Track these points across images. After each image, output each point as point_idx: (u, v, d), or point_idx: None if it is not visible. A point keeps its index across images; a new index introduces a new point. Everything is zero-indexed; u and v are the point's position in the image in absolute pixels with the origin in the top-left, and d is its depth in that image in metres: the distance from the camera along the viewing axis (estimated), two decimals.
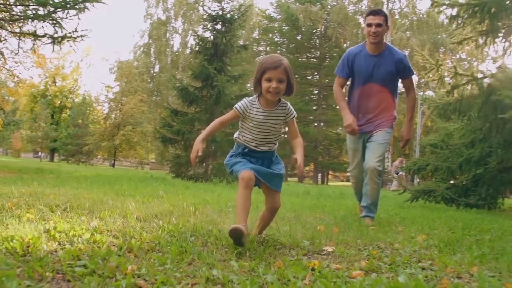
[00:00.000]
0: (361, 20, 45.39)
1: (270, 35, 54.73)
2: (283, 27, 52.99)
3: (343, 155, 52.01)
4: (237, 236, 3.14)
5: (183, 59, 53.39)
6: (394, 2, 43.16)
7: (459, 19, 12.56)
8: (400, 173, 24.67)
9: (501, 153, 12.33)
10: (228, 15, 19.23)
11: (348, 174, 6.55)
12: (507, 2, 11.19)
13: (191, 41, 54.21)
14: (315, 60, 51.56)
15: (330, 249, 3.53)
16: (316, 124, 49.32)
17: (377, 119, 6.16)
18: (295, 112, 3.75)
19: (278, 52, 53.43)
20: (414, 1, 44.60)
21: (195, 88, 18.76)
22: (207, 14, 19.44)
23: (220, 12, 19.29)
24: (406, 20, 44.78)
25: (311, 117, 50.75)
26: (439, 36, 42.03)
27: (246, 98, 3.67)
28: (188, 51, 54.13)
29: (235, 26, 19.39)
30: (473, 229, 5.42)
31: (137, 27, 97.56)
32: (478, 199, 12.59)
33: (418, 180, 27.62)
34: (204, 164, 18.39)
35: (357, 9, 45.69)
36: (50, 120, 57.16)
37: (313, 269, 2.71)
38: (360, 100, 6.25)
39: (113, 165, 54.21)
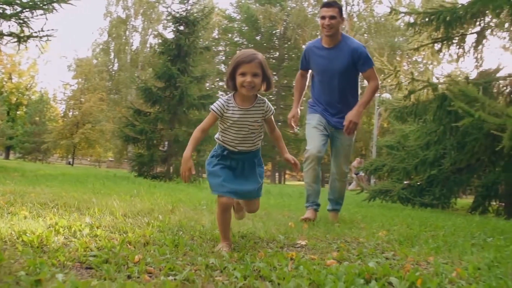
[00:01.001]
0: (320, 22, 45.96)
1: (230, 35, 54.92)
2: (243, 28, 53.25)
3: (300, 155, 52.59)
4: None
5: (143, 57, 53.27)
6: (353, 5, 43.86)
7: (416, 26, 13.10)
8: (360, 174, 25.27)
9: (454, 155, 12.86)
10: (192, 17, 19.48)
11: (305, 156, 6.09)
12: (460, 12, 11.74)
13: (151, 39, 54.21)
14: (274, 61, 51.94)
15: (303, 243, 3.91)
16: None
17: (343, 115, 5.93)
18: (273, 108, 3.68)
19: (237, 52, 53.73)
20: (372, 5, 45.35)
21: (158, 88, 18.96)
22: (170, 16, 19.66)
23: (184, 14, 19.53)
24: (364, 23, 45.57)
25: None
26: (396, 40, 42.83)
27: (222, 97, 3.55)
28: (147, 49, 54.03)
29: (198, 27, 19.67)
30: (429, 226, 5.89)
31: (96, 25, 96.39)
32: (433, 199, 13.09)
33: (374, 180, 28.23)
34: (166, 164, 18.61)
35: (316, 11, 46.20)
36: (5, 117, 56.32)
37: (291, 259, 3.08)
38: (321, 94, 6.14)
39: (69, 163, 53.75)
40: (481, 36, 13.42)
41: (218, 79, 52.19)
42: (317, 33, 43.71)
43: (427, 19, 12.75)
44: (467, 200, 20.26)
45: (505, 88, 12.06)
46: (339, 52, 5.86)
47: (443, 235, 4.84)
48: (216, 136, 3.70)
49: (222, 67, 54.35)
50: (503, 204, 13.17)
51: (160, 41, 20.74)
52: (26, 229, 3.19)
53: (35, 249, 2.80)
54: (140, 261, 2.68)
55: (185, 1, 19.58)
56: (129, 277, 2.41)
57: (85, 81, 53.15)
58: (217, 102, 3.53)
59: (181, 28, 19.56)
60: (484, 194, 13.07)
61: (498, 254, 3.46)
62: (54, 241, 2.99)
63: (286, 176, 60.68)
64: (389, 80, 12.58)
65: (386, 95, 31.60)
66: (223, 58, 54.81)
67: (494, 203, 13.31)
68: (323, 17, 5.80)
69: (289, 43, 49.74)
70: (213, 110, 3.51)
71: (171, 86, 18.63)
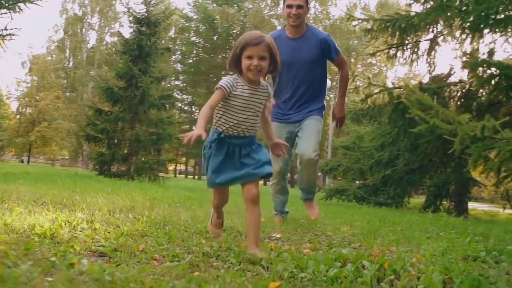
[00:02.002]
0: (277, 23, 46.33)
1: (186, 34, 55.11)
2: (200, 27, 53.53)
3: None
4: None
5: (99, 55, 52.99)
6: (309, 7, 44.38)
7: (373, 32, 13.70)
8: (319, 174, 25.81)
9: (407, 156, 13.49)
10: (153, 18, 19.74)
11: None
12: (415, 20, 12.37)
13: (108, 38, 53.99)
14: None
15: (278, 236, 4.35)
16: None
17: (305, 106, 5.75)
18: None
19: (194, 52, 53.91)
20: (327, 7, 46.03)
21: (119, 88, 19.15)
22: (132, 16, 19.87)
23: (145, 15, 19.77)
24: (320, 25, 46.24)
25: None
26: (351, 42, 43.61)
27: (229, 76, 3.40)
28: (103, 48, 53.81)
29: (159, 29, 19.95)
30: (387, 221, 6.43)
31: (51, 22, 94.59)
32: (387, 198, 13.69)
33: (329, 180, 28.81)
34: (127, 163, 18.82)
35: (273, 13, 46.81)
36: None
37: (271, 249, 3.50)
38: (286, 88, 5.77)
39: (22, 161, 53.13)
40: (434, 42, 14.12)
41: (174, 78, 52.34)
42: None
43: (383, 26, 13.35)
44: (419, 199, 21.03)
45: (455, 93, 12.76)
46: (306, 42, 5.64)
47: (401, 229, 5.37)
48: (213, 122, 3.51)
49: (179, 66, 54.51)
50: (453, 203, 13.87)
51: (118, 40, 20.93)
52: (35, 223, 3.53)
53: (49, 240, 3.14)
54: (144, 250, 3.07)
55: (147, 2, 19.81)
56: (139, 263, 2.77)
57: (41, 78, 52.40)
58: (225, 79, 3.36)
59: (143, 29, 19.77)
60: (436, 194, 13.72)
61: (450, 244, 4.00)
62: (62, 234, 3.34)
63: None
64: None
65: None
66: (179, 57, 55.03)
67: (445, 202, 14.00)
68: (289, 6, 5.57)
69: None
70: (222, 86, 3.30)
71: (132, 86, 18.83)
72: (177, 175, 59.52)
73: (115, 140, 18.96)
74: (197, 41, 54.26)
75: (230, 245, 3.54)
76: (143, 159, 19.05)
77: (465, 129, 6.75)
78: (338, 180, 20.53)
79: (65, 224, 3.75)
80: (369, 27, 13.76)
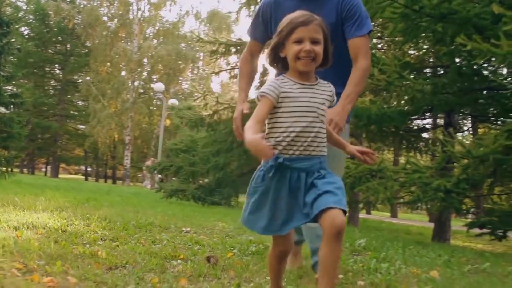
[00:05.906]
0: (106, 19, 46.47)
1: (16, 26, 53.51)
2: (30, 19, 52.41)
3: (78, 150, 54.39)
4: None
5: None
6: (143, 11, 45.04)
7: (217, 54, 16.00)
8: (155, 173, 27.31)
9: (241, 161, 15.80)
10: (6, 18, 20.29)
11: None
12: None
13: None
14: (60, 56, 51.85)
15: (187, 229, 5.96)
16: (57, 118, 49.69)
17: None
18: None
19: (19, 45, 52.45)
20: (161, 11, 46.81)
21: None
22: None
23: None
24: (152, 29, 47.21)
25: (52, 111, 51.10)
26: (182, 46, 44.95)
27: (272, 79, 2.57)
28: None
29: (12, 29, 20.56)
30: None
31: None
32: (221, 198, 15.85)
33: (160, 178, 29.79)
34: None
35: (108, 13, 46.78)
36: None
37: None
38: None
39: None
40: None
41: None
42: (109, 34, 44.55)
43: (227, 49, 15.69)
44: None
45: None
46: (323, 3, 3.44)
47: None
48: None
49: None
50: None
51: None
52: (46, 222, 4.96)
53: (64, 233, 4.57)
54: (131, 237, 4.77)
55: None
56: (137, 244, 4.40)
57: None
58: (267, 84, 2.49)
59: None
60: None
61: None
62: (74, 227, 4.90)
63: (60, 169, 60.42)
64: (198, 101, 15.31)
65: (173, 101, 33.55)
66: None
67: None
68: None
69: (77, 39, 49.77)
70: (266, 93, 2.43)
71: None
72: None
73: None
74: (26, 33, 52.98)
75: (174, 234, 5.32)
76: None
77: None
78: (173, 180, 22.24)
79: (54, 221, 5.08)
80: (215, 49, 15.92)
